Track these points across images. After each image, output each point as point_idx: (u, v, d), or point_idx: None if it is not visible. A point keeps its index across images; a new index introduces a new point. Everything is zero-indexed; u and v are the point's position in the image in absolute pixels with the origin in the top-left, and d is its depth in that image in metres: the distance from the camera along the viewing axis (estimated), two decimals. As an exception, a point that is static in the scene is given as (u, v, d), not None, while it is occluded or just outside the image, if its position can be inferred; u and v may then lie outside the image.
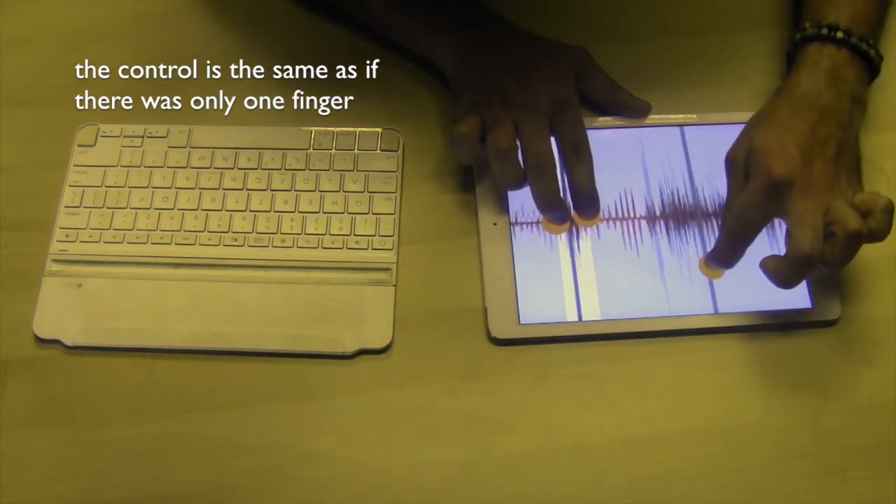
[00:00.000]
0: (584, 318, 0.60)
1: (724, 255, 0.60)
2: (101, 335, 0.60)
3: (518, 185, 0.62)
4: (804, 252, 0.54)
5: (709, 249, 0.61)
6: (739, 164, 0.59)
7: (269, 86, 0.70)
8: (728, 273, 0.61)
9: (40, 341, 0.61)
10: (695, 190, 0.65)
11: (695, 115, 0.67)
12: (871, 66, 0.62)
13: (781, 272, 0.56)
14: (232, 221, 0.64)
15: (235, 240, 0.63)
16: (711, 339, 0.60)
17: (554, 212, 0.63)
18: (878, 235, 0.55)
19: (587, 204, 0.63)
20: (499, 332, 0.60)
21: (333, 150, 0.66)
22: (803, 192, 0.55)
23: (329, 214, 0.64)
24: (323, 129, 0.67)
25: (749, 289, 0.61)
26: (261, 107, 0.69)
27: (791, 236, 0.56)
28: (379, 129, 0.67)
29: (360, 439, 0.58)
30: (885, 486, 0.56)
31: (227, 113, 0.69)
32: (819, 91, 0.59)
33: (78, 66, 0.71)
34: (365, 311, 0.61)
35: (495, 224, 0.63)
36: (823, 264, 0.55)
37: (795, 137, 0.57)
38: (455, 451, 0.57)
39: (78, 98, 0.69)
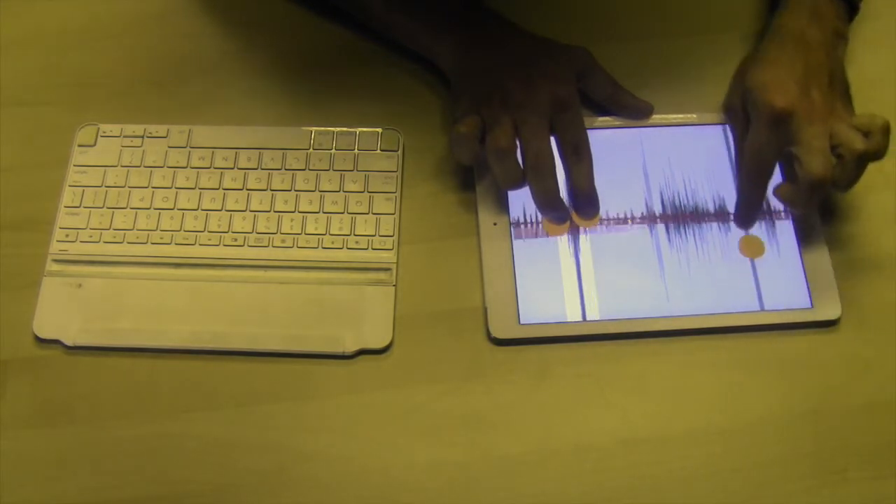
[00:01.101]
0: (584, 318, 0.60)
1: (747, 202, 0.61)
2: (101, 335, 0.61)
3: (517, 185, 0.62)
4: (817, 176, 0.56)
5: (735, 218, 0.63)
6: (737, 109, 0.61)
7: (270, 86, 0.70)
8: (730, 273, 0.61)
9: (40, 341, 0.61)
10: (695, 190, 0.65)
11: (695, 115, 0.67)
12: (850, 5, 0.64)
13: (797, 198, 0.59)
14: (232, 221, 0.64)
15: (235, 240, 0.63)
16: (711, 339, 0.60)
17: (553, 212, 0.63)
18: (878, 155, 0.57)
19: (587, 204, 0.63)
20: (499, 332, 0.60)
21: (333, 150, 0.66)
22: (807, 119, 0.57)
23: (329, 214, 0.64)
24: (323, 129, 0.67)
25: (749, 289, 0.61)
26: (261, 107, 0.69)
27: (802, 163, 0.57)
28: (379, 129, 0.67)
29: (360, 439, 0.58)
30: (885, 486, 0.56)
31: (227, 113, 0.69)
32: (803, 28, 0.61)
33: (78, 66, 0.71)
34: (365, 311, 0.61)
35: (495, 224, 0.63)
36: (834, 187, 0.58)
37: (789, 71, 0.59)
38: (455, 451, 0.57)
39: (78, 98, 0.69)
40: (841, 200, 0.65)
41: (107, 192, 0.65)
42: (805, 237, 0.62)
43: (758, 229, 0.63)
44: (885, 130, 0.57)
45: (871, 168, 0.65)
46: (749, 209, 0.62)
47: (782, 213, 0.63)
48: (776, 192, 0.60)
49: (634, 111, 0.67)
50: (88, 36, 0.72)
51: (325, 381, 0.60)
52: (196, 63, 0.71)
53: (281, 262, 0.63)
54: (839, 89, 0.61)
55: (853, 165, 0.57)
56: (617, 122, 0.67)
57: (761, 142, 0.59)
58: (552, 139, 0.61)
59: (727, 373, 0.60)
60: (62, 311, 0.61)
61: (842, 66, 0.62)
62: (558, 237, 0.63)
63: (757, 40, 0.68)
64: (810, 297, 0.61)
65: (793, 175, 0.60)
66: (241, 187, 0.65)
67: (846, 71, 0.63)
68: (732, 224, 0.63)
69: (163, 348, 0.60)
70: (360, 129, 0.67)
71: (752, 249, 0.62)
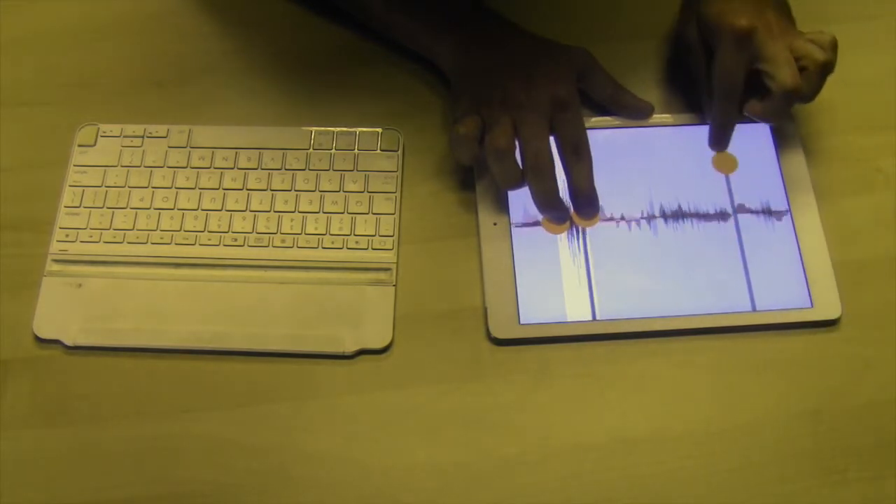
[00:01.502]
0: (583, 318, 0.60)
1: (724, 122, 0.64)
2: (101, 335, 0.61)
3: (516, 185, 0.62)
4: (790, 86, 0.59)
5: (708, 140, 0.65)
6: (693, 38, 0.64)
7: (270, 86, 0.70)
8: (729, 273, 0.61)
9: (40, 341, 0.61)
10: (694, 190, 0.64)
11: (694, 115, 0.67)
12: None
13: (770, 110, 0.62)
14: (232, 221, 0.64)
15: (235, 240, 0.63)
16: (711, 338, 0.60)
17: (553, 211, 0.63)
18: (832, 67, 0.61)
19: (586, 204, 0.63)
20: (499, 332, 0.60)
21: (333, 150, 0.66)
22: (768, 34, 0.60)
23: (329, 214, 0.64)
24: (323, 129, 0.67)
25: (749, 289, 0.61)
26: (261, 107, 0.69)
27: (773, 76, 0.60)
28: (379, 129, 0.67)
29: (360, 439, 0.58)
30: (885, 486, 0.56)
31: (227, 113, 0.69)
32: None
33: (78, 66, 0.71)
34: (365, 311, 0.61)
35: (495, 224, 0.63)
36: (800, 98, 0.61)
37: None
38: (455, 451, 0.57)
39: (78, 98, 0.69)
40: (841, 200, 0.65)
41: (107, 192, 0.65)
42: (805, 237, 0.62)
43: (756, 226, 0.63)
44: (835, 45, 0.61)
45: (872, 168, 0.66)
46: (724, 129, 0.64)
47: (782, 211, 0.63)
48: (748, 109, 0.63)
49: (635, 111, 0.67)
50: (88, 36, 0.72)
51: (325, 381, 0.60)
52: (196, 63, 0.71)
53: (281, 262, 0.63)
54: (785, 10, 0.63)
55: (817, 76, 0.60)
56: (617, 122, 0.67)
57: (729, 63, 0.61)
58: (552, 139, 0.61)
59: (727, 373, 0.60)
60: (62, 311, 0.61)
61: None
62: (558, 237, 0.63)
63: None
64: (810, 296, 0.61)
65: (756, 91, 0.62)
66: (241, 187, 0.65)
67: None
68: (733, 225, 0.63)
69: (163, 348, 0.60)
70: (360, 129, 0.67)
71: (726, 165, 0.65)
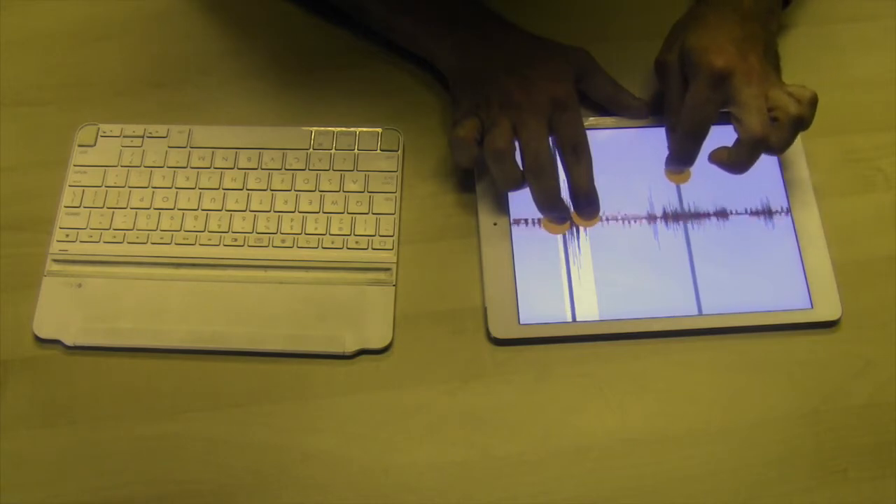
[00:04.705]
0: (583, 318, 0.60)
1: (684, 155, 0.63)
2: (101, 335, 0.61)
3: (516, 187, 0.62)
4: (757, 134, 0.58)
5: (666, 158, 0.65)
6: (673, 66, 0.62)
7: (269, 86, 0.70)
8: (730, 274, 0.61)
9: (40, 341, 0.61)
10: (695, 189, 0.64)
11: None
12: None
13: (736, 158, 0.60)
14: (232, 221, 0.64)
15: (235, 240, 0.63)
16: (712, 339, 0.60)
17: (553, 212, 0.63)
18: (807, 123, 0.59)
19: (586, 204, 0.63)
20: (499, 332, 0.60)
21: (333, 150, 0.66)
22: (745, 79, 0.59)
23: (329, 214, 0.64)
24: (323, 129, 0.67)
25: (749, 289, 0.61)
26: (261, 107, 0.69)
27: (741, 122, 0.59)
28: (379, 129, 0.67)
29: (360, 439, 0.58)
30: (885, 486, 0.56)
31: (227, 113, 0.69)
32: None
33: (78, 66, 0.71)
34: (365, 311, 0.61)
35: (495, 224, 0.63)
36: (769, 150, 0.59)
37: (727, 35, 0.60)
38: (455, 451, 0.57)
39: (78, 98, 0.69)
40: (841, 200, 0.65)
41: (107, 192, 0.65)
42: (805, 237, 0.62)
43: (756, 226, 0.63)
44: (814, 102, 0.59)
45: (872, 168, 0.66)
46: (682, 163, 0.64)
47: (782, 211, 0.63)
48: (713, 157, 0.62)
49: (634, 111, 0.67)
50: (88, 36, 0.72)
51: (325, 381, 0.60)
52: (196, 63, 0.71)
53: (281, 262, 0.63)
54: (772, 61, 0.62)
55: (788, 129, 0.58)
56: (617, 122, 0.67)
57: (701, 100, 0.59)
58: (551, 139, 0.61)
59: (727, 373, 0.60)
60: (62, 311, 0.61)
61: (775, 41, 0.64)
62: (558, 237, 0.63)
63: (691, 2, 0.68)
64: (810, 297, 0.61)
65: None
66: (241, 187, 0.65)
67: (777, 46, 0.64)
68: (733, 225, 0.63)
69: (163, 348, 0.60)
70: (360, 129, 0.67)
71: (678, 177, 0.65)
